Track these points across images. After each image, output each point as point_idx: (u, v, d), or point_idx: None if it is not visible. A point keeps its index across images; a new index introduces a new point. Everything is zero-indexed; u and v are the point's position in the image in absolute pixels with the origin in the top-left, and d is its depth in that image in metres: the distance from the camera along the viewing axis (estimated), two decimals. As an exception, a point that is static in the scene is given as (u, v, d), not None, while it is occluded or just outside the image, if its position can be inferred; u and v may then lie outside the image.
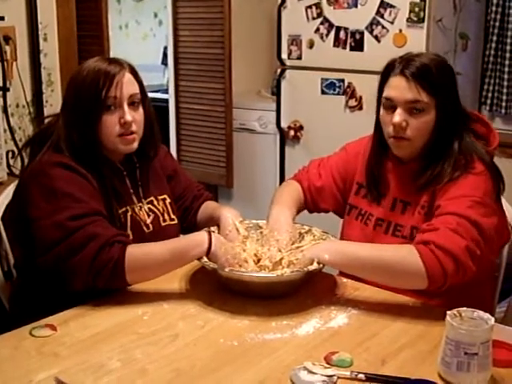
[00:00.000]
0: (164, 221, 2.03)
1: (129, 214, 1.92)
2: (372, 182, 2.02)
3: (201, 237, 1.79)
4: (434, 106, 1.84)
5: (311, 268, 1.74)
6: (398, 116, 1.85)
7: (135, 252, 1.73)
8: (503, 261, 2.16)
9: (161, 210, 2.03)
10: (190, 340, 1.57)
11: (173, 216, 2.07)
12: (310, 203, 2.19)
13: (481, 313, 1.39)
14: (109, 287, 1.73)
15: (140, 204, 1.98)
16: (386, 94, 1.89)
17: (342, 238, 2.10)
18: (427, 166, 1.88)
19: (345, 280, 1.89)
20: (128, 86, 1.86)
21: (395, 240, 1.91)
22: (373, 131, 2.03)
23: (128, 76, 1.87)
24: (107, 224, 1.77)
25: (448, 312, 1.39)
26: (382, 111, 1.92)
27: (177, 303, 1.75)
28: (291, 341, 1.56)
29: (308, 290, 1.81)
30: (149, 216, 1.98)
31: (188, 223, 2.16)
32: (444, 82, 1.86)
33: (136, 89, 1.89)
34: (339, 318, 1.68)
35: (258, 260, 1.84)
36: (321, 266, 1.75)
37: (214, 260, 1.76)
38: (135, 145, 1.91)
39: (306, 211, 2.21)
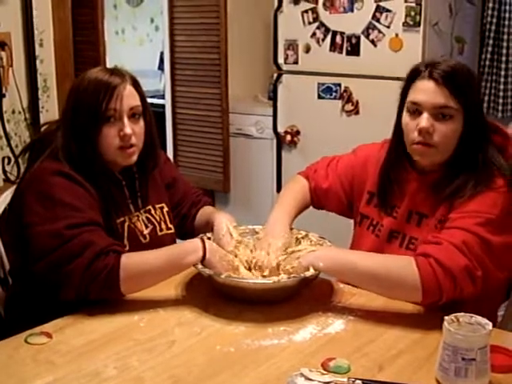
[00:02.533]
0: (161, 230, 2.02)
1: (126, 224, 1.91)
2: (384, 191, 1.96)
3: (194, 244, 1.78)
4: (461, 113, 1.77)
5: (308, 274, 1.73)
6: (426, 120, 1.77)
7: (130, 261, 1.72)
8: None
9: (158, 219, 2.02)
10: (187, 346, 1.56)
11: (170, 225, 2.06)
12: (316, 203, 2.18)
13: (478, 318, 1.39)
14: (102, 297, 1.71)
15: (137, 214, 1.97)
16: (412, 97, 1.81)
17: (352, 249, 2.04)
18: (449, 178, 1.81)
19: (342, 286, 1.89)
20: (129, 98, 1.83)
21: (409, 254, 1.78)
22: (390, 138, 1.96)
23: (129, 88, 1.84)
24: (103, 233, 1.76)
25: (445, 317, 1.38)
26: (405, 117, 1.84)
27: (173, 310, 1.74)
28: (288, 347, 1.56)
29: (305, 296, 1.80)
30: (146, 227, 1.97)
31: (186, 230, 2.15)
32: (471, 88, 1.80)
33: (137, 101, 1.86)
34: (336, 323, 1.67)
35: (250, 267, 1.84)
36: (317, 272, 1.75)
37: (210, 267, 1.76)
38: (134, 158, 1.89)
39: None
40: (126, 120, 1.83)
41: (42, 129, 2.01)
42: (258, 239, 1.97)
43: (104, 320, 1.68)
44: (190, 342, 1.58)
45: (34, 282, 1.79)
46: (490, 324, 1.36)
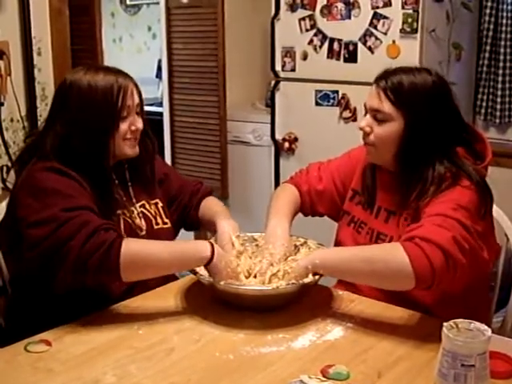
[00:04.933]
0: (157, 224, 2.04)
1: (121, 217, 1.93)
2: (364, 189, 2.03)
3: (204, 246, 1.77)
4: (400, 119, 1.84)
5: (307, 281, 1.74)
6: (364, 121, 1.92)
7: (133, 244, 1.71)
8: (499, 270, 2.16)
9: (153, 213, 2.05)
10: (186, 354, 1.56)
11: (166, 220, 2.08)
12: (308, 206, 2.19)
13: (477, 324, 1.39)
14: (100, 281, 1.67)
15: (132, 208, 1.99)
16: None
17: (335, 243, 2.12)
18: (409, 180, 1.86)
19: (341, 292, 1.89)
20: (135, 95, 1.92)
21: None
22: None
23: (133, 86, 1.92)
24: (99, 217, 1.75)
25: (444, 323, 1.38)
26: None
27: (172, 317, 1.74)
28: (287, 354, 1.56)
29: (304, 303, 1.80)
30: (141, 219, 1.99)
31: (191, 220, 2.18)
32: (415, 102, 1.85)
33: (138, 98, 1.94)
34: (335, 330, 1.67)
35: (250, 275, 1.84)
36: (316, 278, 1.75)
37: (214, 272, 1.75)
38: (137, 149, 1.97)
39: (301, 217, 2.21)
40: (136, 115, 1.92)
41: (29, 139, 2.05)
42: (257, 246, 1.98)
43: (103, 328, 1.67)
44: (189, 350, 1.58)
45: (33, 290, 1.80)
46: (489, 330, 1.36)
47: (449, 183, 1.80)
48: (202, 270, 1.79)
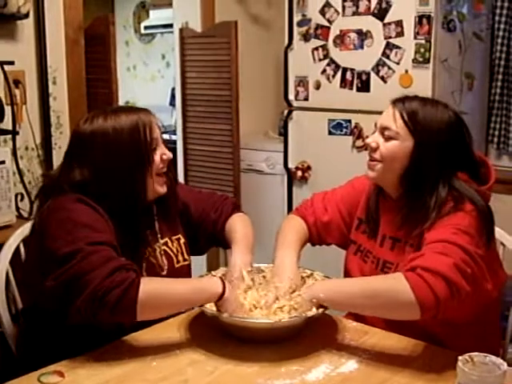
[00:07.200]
0: (178, 262, 2.05)
1: (145, 257, 1.94)
2: (368, 217, 2.04)
3: (216, 283, 1.78)
4: (408, 141, 1.86)
5: (310, 314, 1.74)
6: (371, 137, 1.94)
7: (150, 283, 1.71)
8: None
9: (175, 251, 2.05)
10: (199, 386, 1.56)
11: (186, 256, 2.09)
12: (316, 238, 2.19)
13: (493, 358, 1.38)
14: (114, 317, 1.65)
15: (155, 246, 1.99)
16: None
17: (344, 271, 2.13)
18: (413, 205, 1.87)
19: (354, 324, 1.88)
20: (157, 127, 1.94)
21: None
22: None
23: (154, 119, 1.94)
24: (119, 255, 1.76)
25: (459, 357, 1.37)
26: None
27: (186, 349, 1.73)
28: (301, 387, 1.55)
29: (317, 335, 1.79)
30: (163, 258, 2.00)
31: (220, 237, 2.18)
32: (428, 131, 1.86)
33: (158, 130, 1.96)
34: (349, 363, 1.66)
35: (256, 307, 1.83)
36: (320, 311, 1.74)
37: (225, 306, 1.76)
38: (166, 186, 1.98)
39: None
40: (163, 146, 1.95)
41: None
42: (264, 278, 1.98)
43: (117, 360, 1.67)
44: (202, 382, 1.58)
45: (47, 320, 1.80)
46: (505, 364, 1.35)
47: (450, 207, 1.81)
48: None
